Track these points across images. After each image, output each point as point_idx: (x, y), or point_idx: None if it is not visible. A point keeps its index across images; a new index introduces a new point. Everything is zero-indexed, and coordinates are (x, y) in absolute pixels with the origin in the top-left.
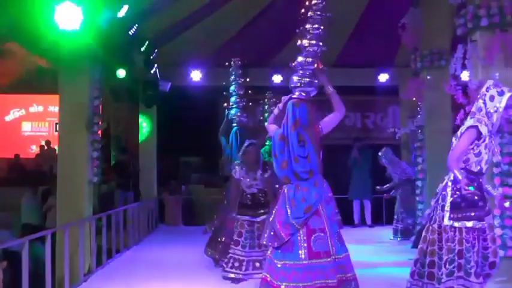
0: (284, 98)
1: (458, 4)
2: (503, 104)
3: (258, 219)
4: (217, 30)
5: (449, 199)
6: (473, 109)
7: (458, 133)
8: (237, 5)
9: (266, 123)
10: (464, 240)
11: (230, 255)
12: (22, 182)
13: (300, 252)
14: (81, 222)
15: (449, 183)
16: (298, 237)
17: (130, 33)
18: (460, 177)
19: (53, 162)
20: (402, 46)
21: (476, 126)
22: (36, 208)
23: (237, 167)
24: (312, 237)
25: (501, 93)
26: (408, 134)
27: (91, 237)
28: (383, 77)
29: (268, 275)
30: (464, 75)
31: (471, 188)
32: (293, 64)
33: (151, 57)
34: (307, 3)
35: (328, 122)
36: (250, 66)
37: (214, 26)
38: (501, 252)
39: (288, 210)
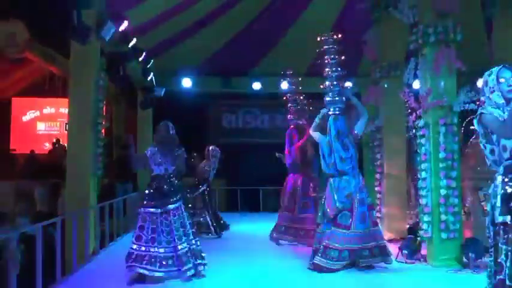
0: (323, 111)
1: (410, 23)
2: (494, 80)
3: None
4: (206, 43)
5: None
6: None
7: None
8: (222, 21)
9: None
10: None
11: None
12: (36, 174)
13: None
14: (87, 210)
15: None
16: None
17: (130, 46)
18: None
19: (63, 157)
20: (364, 58)
21: (482, 113)
22: (48, 198)
23: None
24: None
25: (490, 74)
26: (369, 134)
27: (95, 223)
28: (348, 84)
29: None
30: (416, 84)
31: None
32: (323, 87)
33: (148, 66)
34: (319, 38)
35: (359, 126)
36: (233, 74)
37: (203, 39)
38: (444, 235)
39: (335, 196)
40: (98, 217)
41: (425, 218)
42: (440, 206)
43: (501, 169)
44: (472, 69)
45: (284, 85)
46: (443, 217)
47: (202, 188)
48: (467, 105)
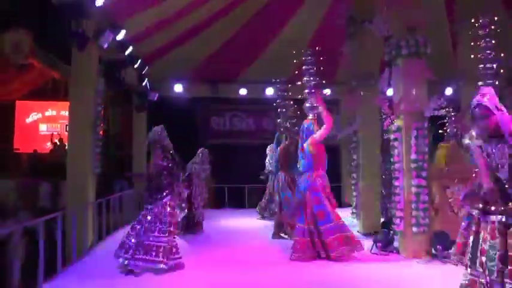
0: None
1: (384, 37)
2: None
3: None
4: (196, 51)
5: None
6: None
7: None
8: (211, 32)
9: None
10: None
11: None
12: (39, 172)
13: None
14: (86, 206)
15: None
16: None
17: (126, 53)
18: None
19: (64, 156)
20: (341, 68)
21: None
22: (50, 194)
23: None
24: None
25: None
26: (346, 137)
27: (94, 218)
28: (326, 92)
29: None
30: (390, 92)
31: None
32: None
33: (143, 72)
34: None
35: (319, 133)
36: (221, 81)
37: (194, 48)
38: (414, 229)
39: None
40: (96, 212)
41: (398, 214)
42: (412, 203)
43: None
44: (441, 78)
45: (270, 91)
46: (414, 213)
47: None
48: (436, 111)
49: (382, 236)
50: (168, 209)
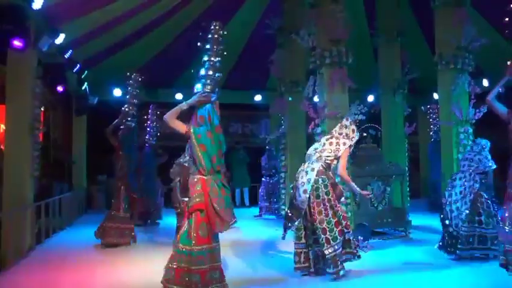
0: (200, 97)
1: (310, 47)
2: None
3: None
4: (135, 56)
5: None
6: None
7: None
8: (149, 38)
9: None
10: None
11: None
12: None
13: None
14: (24, 208)
15: None
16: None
17: (66, 57)
18: None
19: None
20: (271, 75)
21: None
22: None
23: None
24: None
25: (356, 127)
26: (275, 139)
27: (32, 221)
28: (258, 97)
29: None
30: (315, 98)
31: None
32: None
33: (83, 76)
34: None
35: None
36: (159, 86)
37: (132, 53)
38: None
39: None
40: (34, 215)
41: None
42: None
43: None
44: (361, 87)
45: None
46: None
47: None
48: (357, 116)
49: None
50: None
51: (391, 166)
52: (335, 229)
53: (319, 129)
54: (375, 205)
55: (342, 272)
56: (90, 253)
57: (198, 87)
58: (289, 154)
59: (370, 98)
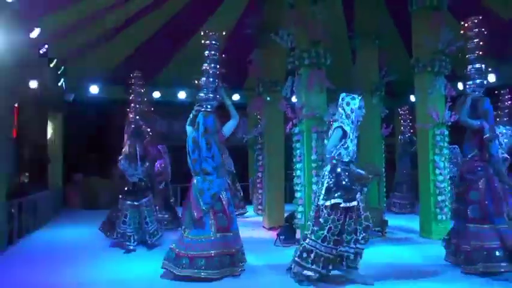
0: (196, 107)
1: (289, 48)
2: (357, 105)
3: (138, 202)
4: (112, 53)
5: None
6: (336, 117)
7: (329, 134)
8: (126, 34)
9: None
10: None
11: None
12: None
13: (211, 229)
14: None
15: (327, 173)
16: (209, 218)
17: (41, 52)
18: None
19: None
20: (250, 75)
21: (341, 126)
22: None
23: (121, 160)
24: (216, 216)
25: (353, 98)
26: (253, 138)
27: (5, 220)
28: (236, 96)
29: (177, 249)
30: (293, 98)
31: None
32: (197, 82)
33: (59, 72)
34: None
35: (228, 127)
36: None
37: (109, 50)
38: None
39: (199, 198)
40: (6, 214)
41: (300, 209)
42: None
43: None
44: (339, 87)
45: (182, 95)
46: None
47: (162, 185)
48: (335, 116)
49: (285, 229)
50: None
51: (368, 167)
52: None
53: (297, 129)
54: None
55: None
56: (64, 253)
57: (200, 95)
58: (266, 154)
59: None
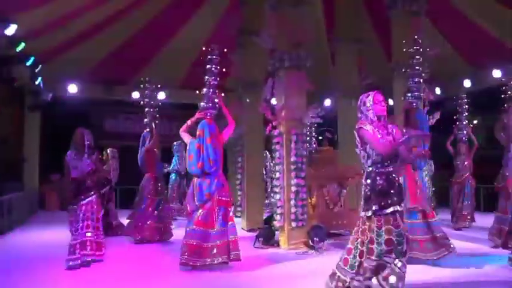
0: (197, 115)
1: (269, 49)
2: (371, 102)
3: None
4: (91, 53)
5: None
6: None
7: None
8: (106, 34)
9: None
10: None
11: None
12: None
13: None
14: None
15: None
16: (197, 214)
17: (18, 50)
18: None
19: None
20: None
21: (360, 127)
22: None
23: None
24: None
25: (368, 96)
26: (232, 140)
27: None
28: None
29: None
30: (273, 100)
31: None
32: (200, 93)
33: (36, 70)
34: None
35: (226, 132)
36: (115, 83)
37: (89, 49)
38: (293, 224)
39: (195, 196)
40: None
41: (279, 211)
42: (291, 200)
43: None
44: (319, 90)
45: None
46: (293, 209)
47: (105, 189)
48: (314, 119)
49: (264, 231)
50: (95, 207)
51: (347, 169)
52: None
53: (276, 132)
54: (330, 207)
55: None
56: (36, 255)
57: (201, 104)
58: (246, 155)
59: (327, 102)
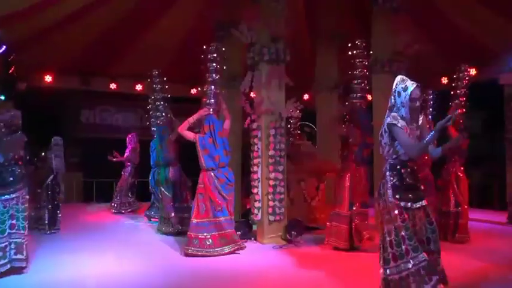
0: (200, 112)
1: (248, 43)
2: (408, 97)
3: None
4: (68, 42)
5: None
6: (389, 105)
7: (383, 131)
8: (84, 23)
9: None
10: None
11: None
12: None
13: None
14: None
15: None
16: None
17: None
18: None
19: None
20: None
21: (394, 124)
22: None
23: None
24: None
25: (405, 89)
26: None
27: None
28: (193, 91)
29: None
30: (252, 94)
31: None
32: (206, 90)
33: (9, 59)
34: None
35: (227, 126)
36: (92, 74)
37: (65, 38)
38: (271, 217)
39: (218, 187)
40: None
41: (256, 204)
42: (269, 194)
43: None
44: (298, 84)
45: (139, 87)
46: (271, 203)
47: (47, 181)
48: (293, 112)
49: (241, 225)
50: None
51: (326, 163)
52: None
53: (255, 125)
54: (308, 200)
55: None
56: None
57: (203, 100)
58: None
59: (306, 96)
